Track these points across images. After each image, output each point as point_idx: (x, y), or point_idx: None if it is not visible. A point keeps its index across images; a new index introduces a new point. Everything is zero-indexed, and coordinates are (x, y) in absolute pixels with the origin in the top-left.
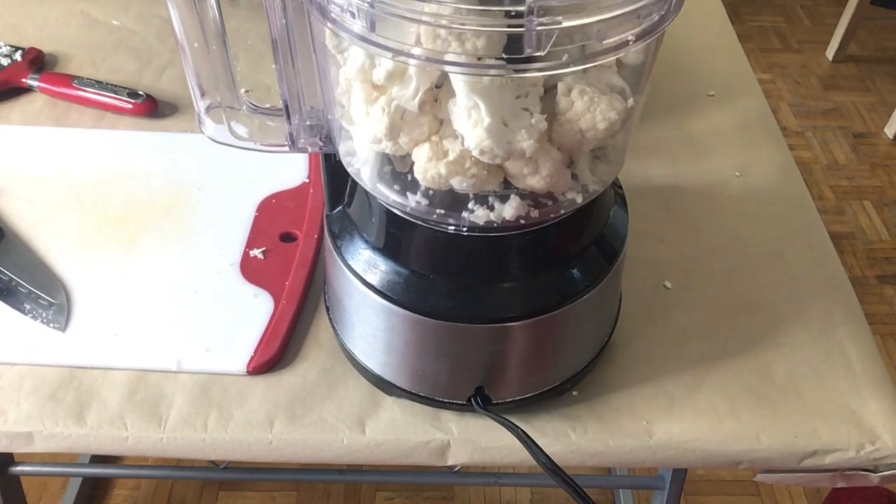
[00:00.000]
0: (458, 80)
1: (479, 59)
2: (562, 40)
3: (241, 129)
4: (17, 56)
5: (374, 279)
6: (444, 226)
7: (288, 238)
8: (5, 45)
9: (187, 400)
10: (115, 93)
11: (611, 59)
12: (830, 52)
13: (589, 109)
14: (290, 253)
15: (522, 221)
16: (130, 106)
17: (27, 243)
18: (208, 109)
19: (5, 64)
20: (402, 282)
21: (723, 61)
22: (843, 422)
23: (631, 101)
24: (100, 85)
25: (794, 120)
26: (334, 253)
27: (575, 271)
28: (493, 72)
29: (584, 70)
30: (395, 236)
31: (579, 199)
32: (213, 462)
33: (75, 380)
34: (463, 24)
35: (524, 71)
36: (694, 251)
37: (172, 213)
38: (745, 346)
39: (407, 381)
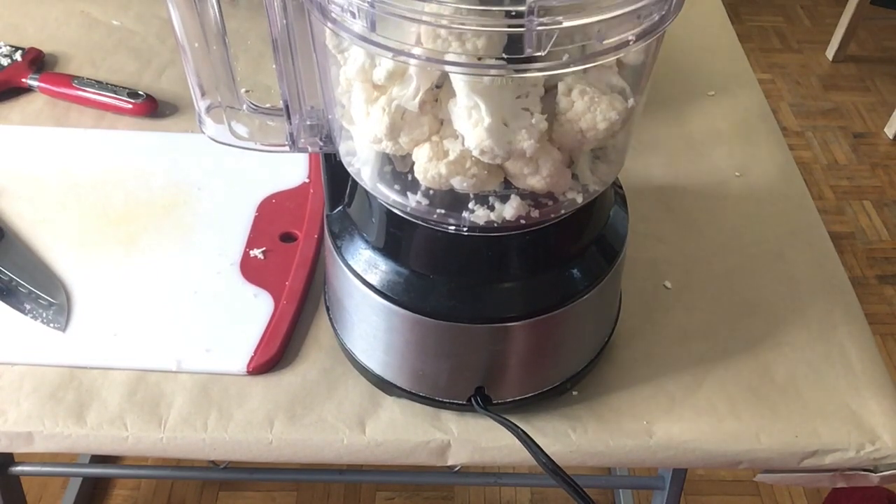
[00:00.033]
0: (458, 80)
1: (479, 59)
2: (562, 40)
3: (241, 129)
4: (17, 56)
5: (374, 279)
6: (445, 226)
7: (288, 238)
8: (5, 45)
9: (187, 400)
10: (115, 93)
11: (611, 59)
12: (830, 52)
13: (589, 109)
14: (290, 253)
15: (522, 221)
16: (130, 106)
17: (27, 243)
18: (208, 109)
19: (5, 64)
20: (402, 282)
21: (723, 61)
22: (843, 422)
23: (631, 101)
24: (100, 85)
25: (794, 120)
26: (334, 253)
27: (575, 271)
28: (493, 72)
29: (585, 70)
30: (396, 236)
31: (579, 199)
32: (213, 462)
33: (75, 380)
34: (463, 24)
35: (524, 71)
36: (694, 251)
37: (172, 213)
38: (745, 346)
39: (407, 381)
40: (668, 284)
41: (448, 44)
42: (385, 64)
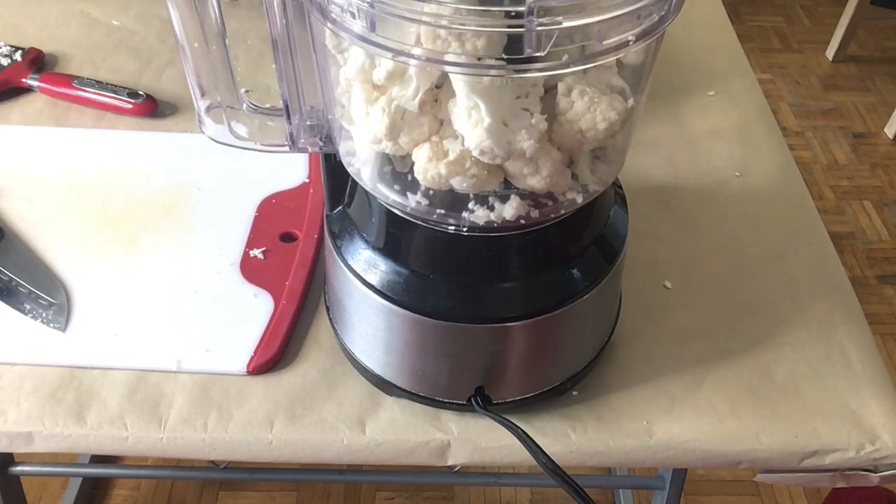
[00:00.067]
0: (458, 81)
1: (479, 59)
2: (562, 40)
3: (241, 129)
4: (17, 56)
5: (374, 279)
6: (445, 226)
7: (288, 238)
8: (5, 45)
9: (187, 400)
10: (115, 93)
11: (611, 59)
12: (830, 52)
13: (589, 109)
14: (290, 253)
15: (522, 221)
16: (130, 106)
17: (27, 243)
18: (208, 109)
19: (5, 64)
20: (402, 282)
21: (723, 61)
22: (843, 422)
23: (631, 102)
24: (100, 85)
25: (794, 120)
26: (334, 253)
27: (575, 271)
28: (493, 72)
29: (585, 70)
30: (395, 236)
31: (579, 199)
32: (213, 462)
33: (75, 380)
34: (463, 25)
35: (524, 71)
36: (694, 251)
37: (172, 213)
38: (745, 346)
39: (407, 381)
40: (668, 284)
41: (448, 44)
42: (385, 64)
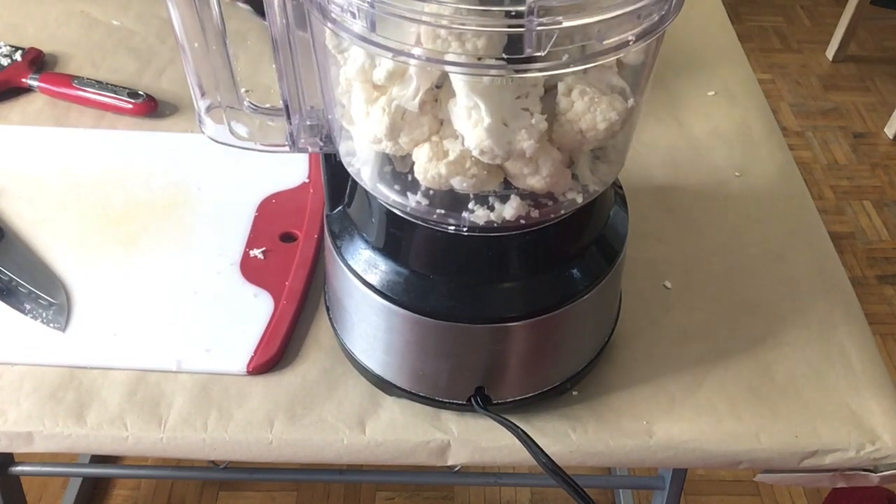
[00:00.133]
0: (458, 80)
1: (479, 59)
2: (562, 40)
3: (241, 129)
4: (17, 56)
5: (374, 279)
6: (445, 226)
7: (288, 238)
8: (5, 45)
9: (187, 400)
10: (115, 93)
11: (611, 59)
12: (830, 52)
13: (589, 110)
14: (290, 253)
15: (522, 221)
16: (130, 106)
17: (27, 243)
18: (208, 109)
19: (5, 64)
20: (402, 282)
21: (723, 61)
22: (843, 422)
23: (631, 102)
24: (100, 85)
25: (794, 120)
26: (334, 253)
27: (575, 271)
28: (493, 72)
29: (585, 70)
30: (395, 236)
31: (579, 199)
32: (213, 462)
33: (75, 380)
34: (463, 24)
35: (524, 71)
36: (694, 251)
37: (172, 213)
38: (745, 346)
39: (407, 381)
40: (668, 284)
41: (448, 44)
42: (385, 64)
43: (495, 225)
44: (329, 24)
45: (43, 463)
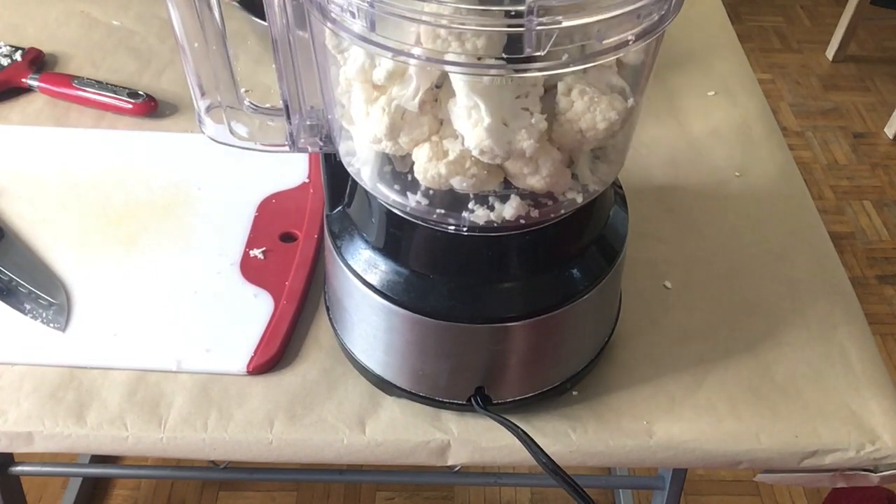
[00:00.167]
0: (458, 80)
1: (479, 59)
2: (562, 40)
3: (241, 129)
4: (17, 56)
5: (374, 279)
6: (445, 226)
7: (288, 238)
8: (5, 45)
9: (187, 400)
10: (115, 93)
11: (611, 59)
12: (830, 52)
13: (589, 109)
14: (290, 253)
15: (522, 221)
16: (130, 106)
17: (27, 243)
18: (208, 109)
19: (5, 64)
20: (402, 282)
21: (723, 61)
22: (843, 422)
23: (631, 101)
24: (100, 85)
25: (794, 120)
26: (334, 253)
27: (575, 271)
28: (493, 72)
29: (584, 70)
30: (395, 236)
31: (579, 199)
32: (213, 462)
33: (75, 380)
34: (463, 24)
35: (524, 71)
36: (694, 251)
37: (172, 213)
38: (745, 346)
39: (407, 381)
40: (668, 284)
41: (448, 44)
42: (385, 64)
43: (495, 225)
44: (329, 24)
45: (43, 463)
